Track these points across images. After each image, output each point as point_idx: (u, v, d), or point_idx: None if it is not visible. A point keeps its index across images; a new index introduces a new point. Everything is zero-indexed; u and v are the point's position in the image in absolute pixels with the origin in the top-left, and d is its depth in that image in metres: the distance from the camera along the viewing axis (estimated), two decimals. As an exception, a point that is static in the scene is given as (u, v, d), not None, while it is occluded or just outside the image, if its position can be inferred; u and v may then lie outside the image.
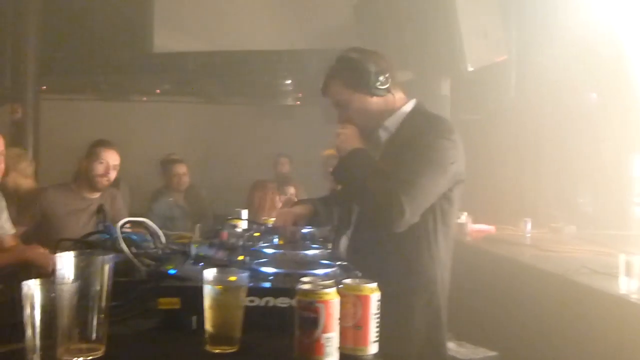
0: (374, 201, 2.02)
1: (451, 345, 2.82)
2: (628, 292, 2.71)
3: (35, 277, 2.42)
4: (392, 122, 2.21)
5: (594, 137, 5.97)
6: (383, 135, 2.24)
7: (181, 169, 5.11)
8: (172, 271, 1.57)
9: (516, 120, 5.92)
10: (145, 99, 8.10)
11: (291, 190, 4.97)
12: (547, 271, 3.46)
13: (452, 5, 5.00)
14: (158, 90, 8.00)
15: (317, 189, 5.24)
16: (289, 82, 7.36)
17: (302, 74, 7.29)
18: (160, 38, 6.99)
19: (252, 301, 1.43)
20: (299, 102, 7.67)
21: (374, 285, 1.32)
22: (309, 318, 1.21)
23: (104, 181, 3.75)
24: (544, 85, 5.75)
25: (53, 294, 1.14)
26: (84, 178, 3.80)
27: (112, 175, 3.79)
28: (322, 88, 2.31)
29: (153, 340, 1.41)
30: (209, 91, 7.86)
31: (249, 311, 1.41)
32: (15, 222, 3.29)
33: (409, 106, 2.24)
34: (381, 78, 2.16)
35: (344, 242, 2.27)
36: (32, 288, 1.13)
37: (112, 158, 3.75)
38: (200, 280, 1.52)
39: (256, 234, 2.45)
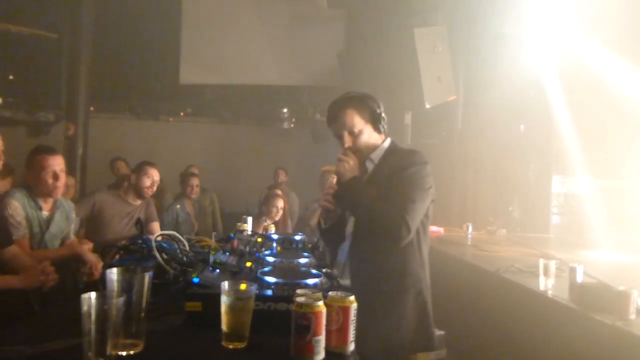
0: (383, 223, 1.97)
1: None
2: (545, 289, 2.73)
3: (86, 273, 2.43)
4: (376, 155, 2.14)
5: (522, 159, 6.04)
6: (369, 165, 2.17)
7: (195, 181, 5.06)
8: (195, 279, 1.57)
9: (462, 145, 5.97)
10: (171, 119, 8.08)
11: (293, 194, 4.94)
12: (483, 268, 3.42)
13: (414, 56, 5.04)
14: (182, 113, 7.99)
15: (308, 194, 5.26)
16: (285, 110, 7.38)
17: (296, 104, 7.36)
18: (185, 72, 7.01)
19: (257, 305, 1.44)
20: (292, 126, 7.69)
21: (352, 297, 1.33)
22: (302, 325, 1.23)
23: (149, 192, 3.73)
24: (484, 118, 5.80)
25: (106, 306, 1.14)
26: (132, 188, 3.76)
27: (154, 188, 3.77)
28: (332, 116, 2.14)
29: (181, 336, 1.41)
30: (223, 115, 7.88)
31: (255, 314, 1.43)
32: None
33: (387, 143, 2.17)
34: (384, 117, 2.13)
35: (342, 251, 2.21)
36: (90, 301, 1.14)
37: (156, 175, 3.74)
38: (217, 288, 1.54)
39: (259, 240, 2.46)
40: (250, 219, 3.21)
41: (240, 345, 1.32)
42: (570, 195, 5.72)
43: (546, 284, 2.73)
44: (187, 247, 2.10)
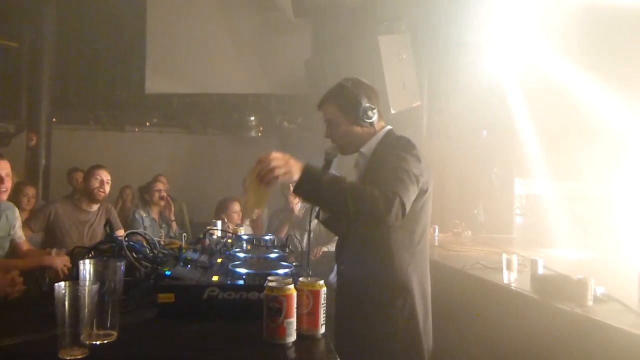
0: (372, 201, 1.69)
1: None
2: (509, 282, 2.83)
3: (51, 278, 2.40)
4: (367, 148, 2.06)
5: (485, 164, 6.21)
6: (360, 160, 2.09)
7: (159, 185, 4.98)
8: (167, 272, 1.59)
9: (428, 150, 6.04)
10: (137, 129, 8.00)
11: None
12: (450, 266, 3.53)
13: (379, 63, 5.16)
14: (148, 123, 7.91)
15: (278, 203, 5.28)
16: (252, 118, 7.40)
17: (263, 113, 7.39)
18: (151, 81, 6.95)
19: (229, 295, 1.48)
20: (260, 134, 7.72)
21: (322, 282, 1.38)
22: (274, 308, 1.27)
23: (100, 193, 3.68)
24: (448, 124, 5.95)
25: (78, 294, 1.16)
26: (83, 193, 3.73)
27: (106, 188, 3.72)
28: (319, 103, 2.10)
29: (154, 327, 1.43)
30: (190, 124, 7.85)
31: (227, 303, 1.46)
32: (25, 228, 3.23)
33: (381, 134, 2.07)
34: (369, 112, 2.01)
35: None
36: (63, 289, 1.15)
37: (105, 175, 3.70)
38: (188, 280, 1.57)
39: (229, 240, 2.49)
40: (219, 222, 3.24)
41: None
42: (531, 197, 5.91)
43: (509, 277, 2.83)
44: (158, 247, 2.12)
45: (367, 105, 2.02)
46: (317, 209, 2.19)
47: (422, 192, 1.97)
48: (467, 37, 5.55)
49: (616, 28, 4.71)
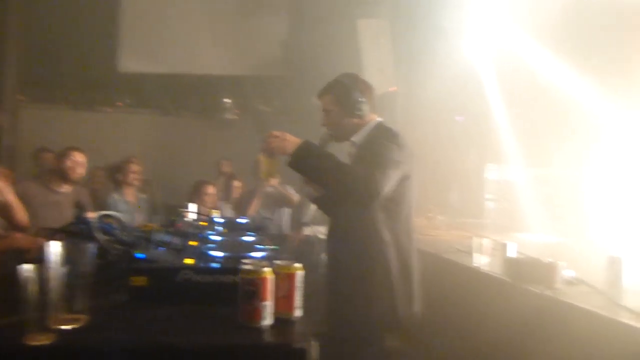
0: (351, 180, 1.97)
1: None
2: (479, 265, 2.88)
3: (23, 261, 2.34)
4: (358, 137, 2.24)
5: (460, 149, 6.26)
6: (351, 148, 2.26)
7: (134, 167, 4.87)
8: (140, 255, 1.56)
9: (402, 134, 6.10)
10: (109, 110, 7.79)
11: (237, 183, 4.92)
12: (425, 250, 3.55)
13: (357, 47, 5.14)
14: (120, 104, 7.71)
15: (253, 182, 5.23)
16: (229, 100, 7.28)
17: (239, 95, 7.28)
18: (124, 60, 6.76)
19: (204, 278, 1.45)
20: (236, 117, 7.60)
21: (299, 265, 1.37)
22: (250, 291, 1.25)
23: (73, 174, 3.58)
24: (423, 109, 5.95)
25: (45, 277, 1.12)
26: (56, 172, 3.61)
27: (81, 170, 3.62)
28: (318, 94, 2.33)
29: (126, 311, 1.40)
30: (164, 106, 7.67)
31: (202, 287, 1.44)
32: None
33: (372, 124, 2.27)
34: (359, 105, 2.21)
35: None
36: (29, 272, 1.11)
37: (80, 157, 3.60)
38: (162, 262, 1.54)
39: (203, 223, 2.46)
40: (193, 205, 3.19)
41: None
42: (503, 182, 6.00)
43: (481, 261, 2.89)
44: (130, 230, 2.07)
45: (360, 98, 2.22)
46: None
47: (405, 178, 2.15)
48: (445, 22, 5.55)
49: (590, 17, 4.77)
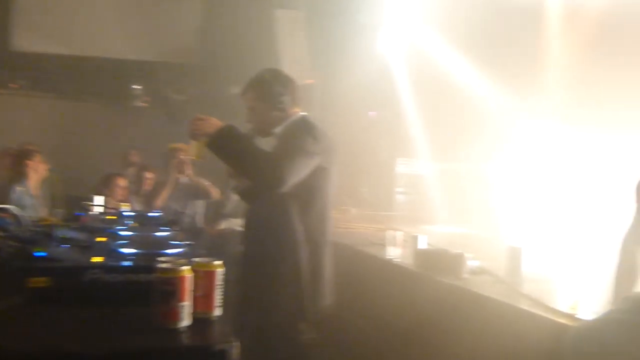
0: (258, 164, 2.04)
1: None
2: (393, 257, 2.97)
3: None
4: (279, 130, 2.27)
5: (372, 143, 6.43)
6: (273, 140, 2.28)
7: (39, 157, 4.49)
8: (40, 253, 1.42)
9: (322, 129, 6.14)
10: (2, 91, 7.08)
11: (149, 175, 4.66)
12: (339, 242, 3.61)
13: (274, 38, 5.08)
14: (14, 85, 7.04)
15: (162, 174, 5.01)
16: (138, 87, 6.91)
17: (150, 81, 6.93)
18: (19, 37, 6.19)
19: (114, 278, 1.36)
20: (145, 104, 7.24)
21: (219, 262, 1.32)
22: (167, 290, 1.18)
23: None
24: (338, 103, 6.04)
25: None
26: None
27: None
28: (240, 93, 2.36)
29: (23, 315, 1.27)
30: (65, 90, 7.10)
31: (113, 287, 1.34)
32: None
33: (295, 117, 2.29)
34: (282, 99, 2.25)
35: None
36: None
37: None
38: (66, 261, 1.42)
39: (111, 218, 2.31)
40: (99, 198, 3.01)
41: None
42: (413, 176, 6.24)
43: (394, 252, 2.98)
44: (27, 224, 1.89)
45: (280, 92, 2.26)
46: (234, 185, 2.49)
47: (321, 169, 2.19)
48: (360, 18, 5.65)
49: (498, 19, 5.07)
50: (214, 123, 2.10)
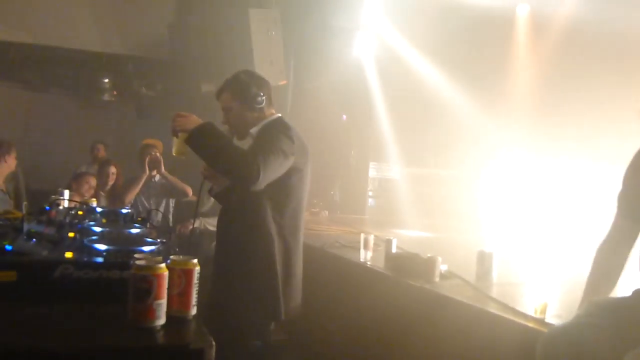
0: (234, 162, 2.03)
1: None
2: (365, 260, 2.98)
3: None
4: (255, 130, 2.26)
5: (344, 147, 6.46)
6: (249, 141, 2.27)
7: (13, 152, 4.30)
8: (8, 247, 1.37)
9: (297, 131, 6.12)
10: (-40, 80, 6.78)
11: (113, 169, 4.54)
12: (310, 245, 3.60)
13: (248, 37, 5.04)
14: (-26, 74, 6.74)
15: (130, 170, 4.91)
16: (106, 80, 6.73)
17: (119, 75, 6.76)
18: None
19: (86, 274, 1.32)
20: (114, 99, 7.06)
21: (195, 260, 1.30)
22: (143, 288, 1.15)
23: None
24: (311, 105, 6.04)
25: None
26: None
27: None
28: (216, 94, 2.34)
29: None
30: (29, 80, 6.84)
31: (85, 283, 1.30)
32: None
33: (271, 118, 2.29)
34: (259, 99, 2.23)
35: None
36: None
37: None
38: (34, 255, 1.37)
39: (80, 212, 2.24)
40: (67, 192, 2.92)
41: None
42: (383, 180, 6.30)
43: (366, 256, 2.99)
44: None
45: (256, 92, 2.25)
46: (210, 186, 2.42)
47: (295, 171, 2.20)
48: (335, 21, 5.66)
49: (469, 29, 5.18)
50: (194, 120, 2.09)
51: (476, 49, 5.32)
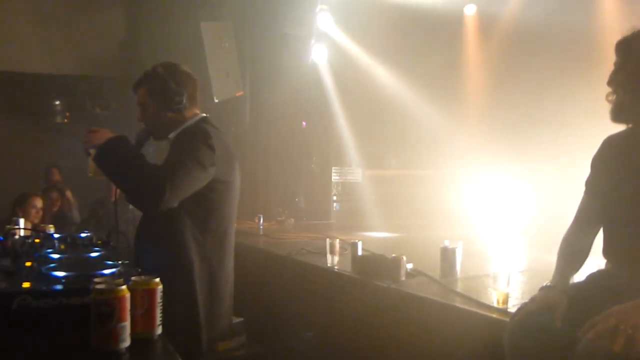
0: (139, 180, 1.83)
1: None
2: (332, 264, 3.00)
3: None
4: (173, 135, 2.05)
5: (305, 153, 6.49)
6: (166, 146, 2.06)
7: None
8: (-39, 282, 1.33)
9: (251, 140, 6.13)
10: None
11: (68, 193, 4.45)
12: (276, 253, 3.61)
13: (202, 51, 5.03)
14: None
15: (87, 194, 4.81)
16: (58, 102, 6.57)
17: (71, 96, 6.62)
18: None
19: (45, 303, 1.29)
20: (66, 120, 6.89)
21: (158, 279, 1.29)
22: (105, 312, 1.13)
23: None
24: (270, 114, 6.06)
25: None
26: None
27: None
28: (133, 86, 2.11)
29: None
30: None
31: (44, 312, 1.28)
32: None
33: (193, 120, 2.07)
34: (177, 98, 2.02)
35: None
36: None
37: None
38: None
39: (37, 240, 2.18)
40: (22, 220, 2.83)
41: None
42: (347, 184, 6.35)
43: (332, 261, 3.01)
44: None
45: (175, 90, 2.03)
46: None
47: (218, 182, 1.99)
48: (287, 29, 5.70)
49: (416, 29, 5.31)
50: (104, 135, 1.90)
51: (428, 49, 5.46)
